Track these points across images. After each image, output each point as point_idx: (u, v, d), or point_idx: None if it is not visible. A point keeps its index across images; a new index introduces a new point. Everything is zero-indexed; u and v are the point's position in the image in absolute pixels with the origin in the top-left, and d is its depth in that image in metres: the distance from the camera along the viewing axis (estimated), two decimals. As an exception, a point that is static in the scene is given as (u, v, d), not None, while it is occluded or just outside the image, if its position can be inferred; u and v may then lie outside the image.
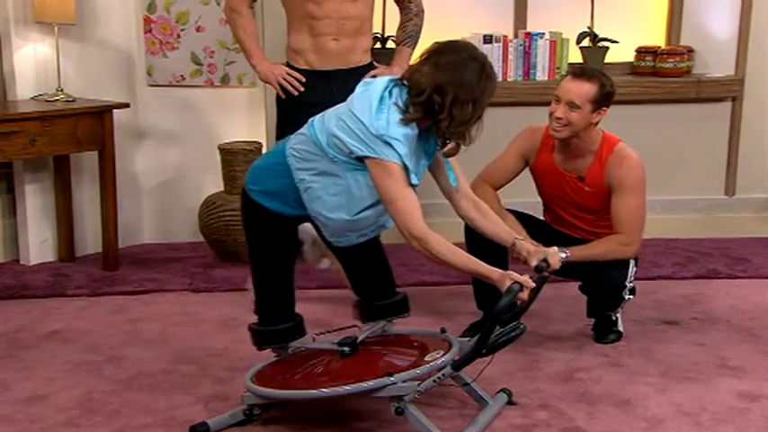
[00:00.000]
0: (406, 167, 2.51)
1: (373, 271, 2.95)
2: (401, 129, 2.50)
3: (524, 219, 3.31)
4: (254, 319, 2.85)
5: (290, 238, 2.79)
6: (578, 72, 3.21)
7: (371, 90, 2.55)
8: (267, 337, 2.83)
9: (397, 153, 2.48)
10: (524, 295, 2.50)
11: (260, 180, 2.69)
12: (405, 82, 2.55)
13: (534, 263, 2.67)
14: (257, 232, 2.75)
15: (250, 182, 2.72)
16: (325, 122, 2.59)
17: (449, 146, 2.65)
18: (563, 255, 2.85)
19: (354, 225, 2.64)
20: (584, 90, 3.14)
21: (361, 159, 2.51)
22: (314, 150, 2.58)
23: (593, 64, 4.52)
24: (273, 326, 2.81)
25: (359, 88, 2.59)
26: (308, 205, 2.63)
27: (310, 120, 2.66)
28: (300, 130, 2.67)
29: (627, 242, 3.20)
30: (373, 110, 2.49)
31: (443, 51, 2.55)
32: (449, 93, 2.47)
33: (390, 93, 2.54)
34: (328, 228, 2.67)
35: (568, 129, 3.17)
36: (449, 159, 2.73)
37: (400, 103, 2.51)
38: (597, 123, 3.22)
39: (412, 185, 2.54)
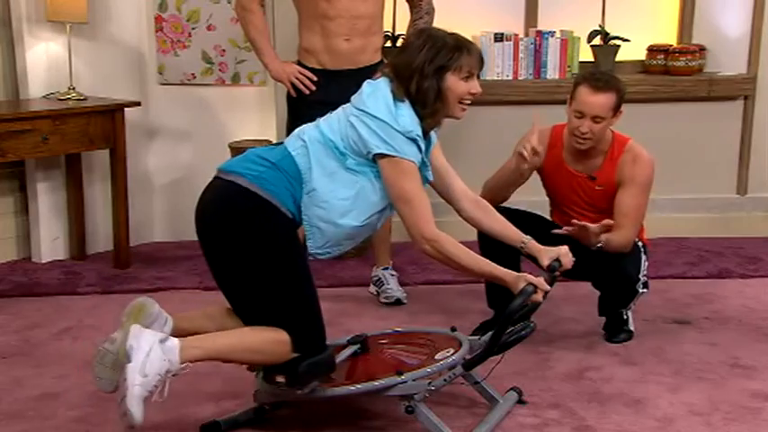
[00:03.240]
0: (423, 164, 2.52)
1: None
2: (418, 127, 2.51)
3: (534, 219, 3.30)
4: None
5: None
6: (598, 84, 3.16)
7: (381, 89, 2.54)
8: (325, 365, 2.52)
9: (420, 150, 2.49)
10: (538, 297, 2.49)
11: (263, 179, 2.47)
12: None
13: (546, 262, 2.66)
14: (288, 244, 2.46)
15: (252, 177, 2.46)
16: (334, 123, 2.55)
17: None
18: (599, 246, 3.06)
19: (358, 231, 2.55)
20: (607, 102, 3.15)
21: (375, 159, 2.48)
22: (325, 152, 2.51)
23: (604, 63, 4.52)
24: (325, 351, 2.50)
25: (366, 88, 2.58)
26: (307, 210, 2.48)
27: (314, 123, 2.61)
28: (305, 132, 2.56)
29: (629, 239, 3.21)
30: (391, 107, 2.49)
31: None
32: (404, 72, 2.51)
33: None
34: (324, 236, 2.51)
35: (592, 141, 3.19)
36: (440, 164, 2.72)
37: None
38: (613, 125, 3.23)
39: (425, 180, 2.55)
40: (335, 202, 2.49)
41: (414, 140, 2.48)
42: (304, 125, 2.63)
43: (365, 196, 2.51)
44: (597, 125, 3.16)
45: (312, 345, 2.47)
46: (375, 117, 2.47)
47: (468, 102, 2.59)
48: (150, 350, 2.36)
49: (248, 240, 2.42)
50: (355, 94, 2.59)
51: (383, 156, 2.46)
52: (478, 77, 2.60)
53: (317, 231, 2.51)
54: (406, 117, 2.48)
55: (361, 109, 2.51)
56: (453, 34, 2.57)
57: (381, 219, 2.61)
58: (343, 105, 2.60)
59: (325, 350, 2.51)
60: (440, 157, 2.73)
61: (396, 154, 2.46)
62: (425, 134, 2.56)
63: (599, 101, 3.14)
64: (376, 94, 2.53)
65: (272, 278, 2.43)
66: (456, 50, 2.52)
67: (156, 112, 4.57)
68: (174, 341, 2.41)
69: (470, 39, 2.63)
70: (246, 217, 2.43)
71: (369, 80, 2.64)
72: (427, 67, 2.50)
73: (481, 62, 2.59)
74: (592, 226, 3.06)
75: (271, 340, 2.45)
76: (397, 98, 2.51)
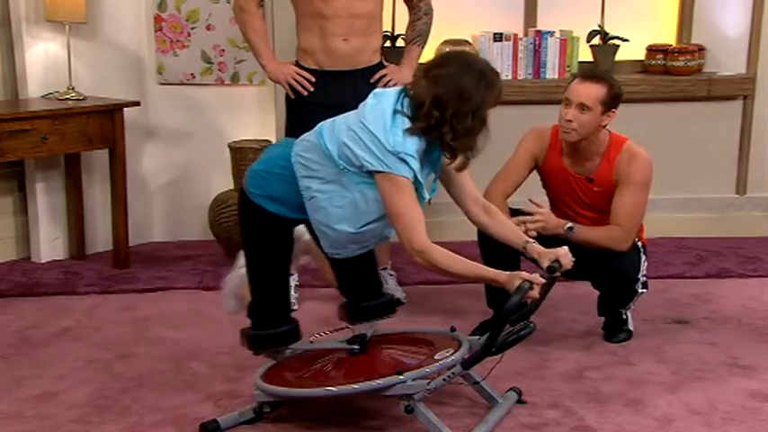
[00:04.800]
0: (417, 182, 2.51)
1: (362, 272, 2.90)
2: (414, 144, 2.49)
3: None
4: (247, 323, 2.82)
5: (287, 240, 2.74)
6: (588, 74, 3.22)
7: (384, 103, 2.52)
8: (263, 341, 2.79)
9: (411, 169, 2.48)
10: (535, 293, 2.49)
11: (262, 185, 2.64)
12: (410, 93, 2.55)
13: (546, 263, 2.66)
14: (255, 233, 2.70)
15: (251, 186, 2.66)
16: (336, 132, 2.55)
17: (457, 161, 2.61)
18: (569, 227, 3.08)
19: (358, 237, 2.60)
20: (594, 91, 3.14)
21: (370, 173, 2.49)
22: (322, 160, 2.54)
23: (603, 62, 4.52)
24: (269, 329, 2.77)
25: (370, 99, 2.57)
26: (311, 215, 2.59)
27: (318, 127, 2.62)
28: (307, 137, 2.63)
29: (625, 237, 3.21)
30: (387, 124, 2.47)
31: (440, 63, 2.57)
32: (448, 105, 2.47)
33: (402, 104, 2.52)
34: (329, 238, 2.61)
35: (578, 132, 3.17)
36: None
37: (409, 115, 2.50)
38: (606, 126, 3.22)
39: (422, 199, 2.55)
40: (332, 210, 2.55)
41: (403, 160, 2.46)
42: (312, 130, 2.64)
43: (357, 206, 2.54)
44: (583, 115, 3.14)
45: (255, 316, 2.79)
46: (370, 132, 2.47)
47: None
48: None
49: (243, 229, 2.77)
50: (362, 102, 2.58)
51: (377, 171, 2.47)
52: None
53: (322, 234, 2.62)
54: (399, 136, 2.47)
55: (361, 120, 2.51)
56: (492, 68, 2.57)
57: (388, 227, 2.61)
58: (347, 114, 2.60)
59: (267, 329, 2.76)
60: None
61: (388, 170, 2.46)
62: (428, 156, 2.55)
63: (586, 89, 3.14)
64: (377, 107, 2.52)
65: (249, 259, 2.77)
66: (498, 94, 2.54)
67: (156, 112, 4.57)
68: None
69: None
70: (241, 216, 2.75)
71: (376, 90, 2.63)
72: (484, 110, 2.51)
73: None
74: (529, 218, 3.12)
75: (247, 297, 2.85)
76: (396, 112, 2.49)
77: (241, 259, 2.89)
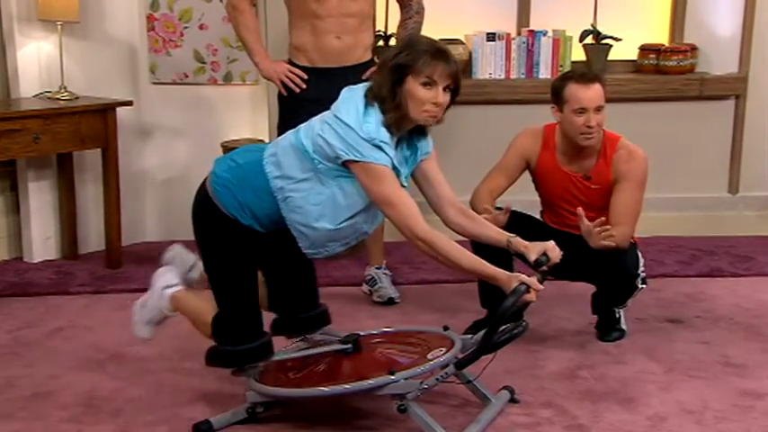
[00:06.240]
0: (396, 170, 2.51)
1: (302, 282, 2.84)
2: (386, 133, 2.50)
3: (525, 219, 3.31)
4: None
5: (253, 250, 2.63)
6: (587, 77, 3.22)
7: (356, 95, 2.55)
8: (234, 358, 2.68)
9: (387, 156, 2.48)
10: (531, 296, 2.49)
11: (233, 192, 2.56)
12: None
13: (534, 257, 2.65)
14: (221, 246, 2.61)
15: (222, 195, 2.56)
16: (311, 128, 2.56)
17: None
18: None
19: (338, 234, 2.57)
20: (600, 90, 3.20)
21: (345, 165, 2.48)
22: (296, 157, 2.52)
23: (596, 62, 4.53)
24: (240, 345, 2.66)
25: (343, 93, 2.59)
26: (287, 216, 2.55)
27: (296, 129, 2.61)
28: (281, 139, 2.62)
29: (630, 234, 3.22)
30: (360, 114, 2.49)
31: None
32: (376, 72, 2.60)
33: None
34: (308, 238, 2.57)
35: (599, 134, 3.22)
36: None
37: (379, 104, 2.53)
38: None
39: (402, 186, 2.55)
40: (309, 207, 2.52)
41: (379, 147, 2.46)
42: (289, 131, 2.64)
43: (335, 201, 2.52)
44: (600, 116, 3.19)
45: (224, 334, 2.69)
46: (343, 122, 2.48)
47: (433, 111, 2.52)
48: (155, 291, 2.91)
49: (197, 230, 2.68)
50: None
51: (353, 161, 2.47)
52: (455, 88, 2.54)
53: (300, 234, 2.58)
54: (372, 124, 2.48)
55: (334, 114, 2.53)
56: (434, 42, 2.56)
57: (367, 222, 2.60)
58: (324, 112, 2.60)
59: (239, 345, 2.66)
60: (434, 167, 2.71)
61: (363, 160, 2.45)
62: (395, 131, 2.54)
63: (595, 92, 3.17)
64: (349, 99, 2.54)
65: (209, 267, 2.68)
66: (420, 54, 2.49)
67: (149, 111, 4.56)
68: (170, 291, 2.86)
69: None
70: (196, 209, 2.67)
71: (349, 86, 2.64)
72: (388, 63, 2.53)
73: (450, 74, 2.51)
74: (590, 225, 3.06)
75: (201, 320, 2.76)
76: (368, 104, 2.51)
77: (162, 278, 2.90)
